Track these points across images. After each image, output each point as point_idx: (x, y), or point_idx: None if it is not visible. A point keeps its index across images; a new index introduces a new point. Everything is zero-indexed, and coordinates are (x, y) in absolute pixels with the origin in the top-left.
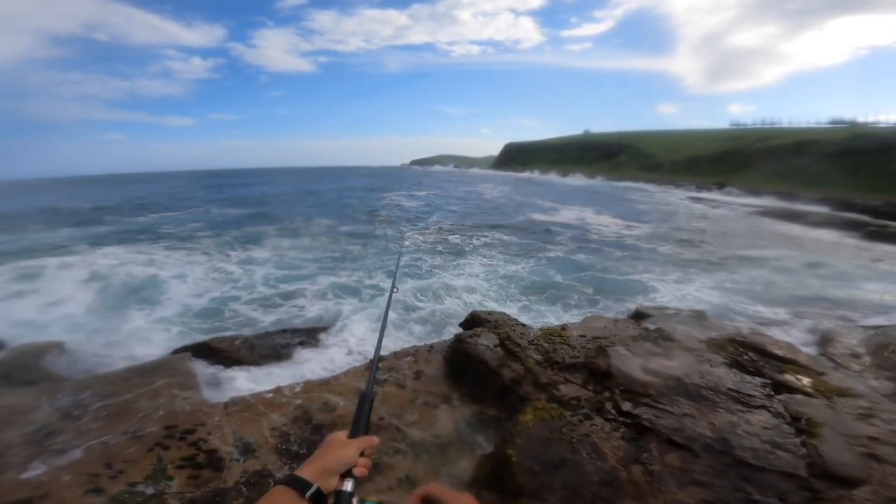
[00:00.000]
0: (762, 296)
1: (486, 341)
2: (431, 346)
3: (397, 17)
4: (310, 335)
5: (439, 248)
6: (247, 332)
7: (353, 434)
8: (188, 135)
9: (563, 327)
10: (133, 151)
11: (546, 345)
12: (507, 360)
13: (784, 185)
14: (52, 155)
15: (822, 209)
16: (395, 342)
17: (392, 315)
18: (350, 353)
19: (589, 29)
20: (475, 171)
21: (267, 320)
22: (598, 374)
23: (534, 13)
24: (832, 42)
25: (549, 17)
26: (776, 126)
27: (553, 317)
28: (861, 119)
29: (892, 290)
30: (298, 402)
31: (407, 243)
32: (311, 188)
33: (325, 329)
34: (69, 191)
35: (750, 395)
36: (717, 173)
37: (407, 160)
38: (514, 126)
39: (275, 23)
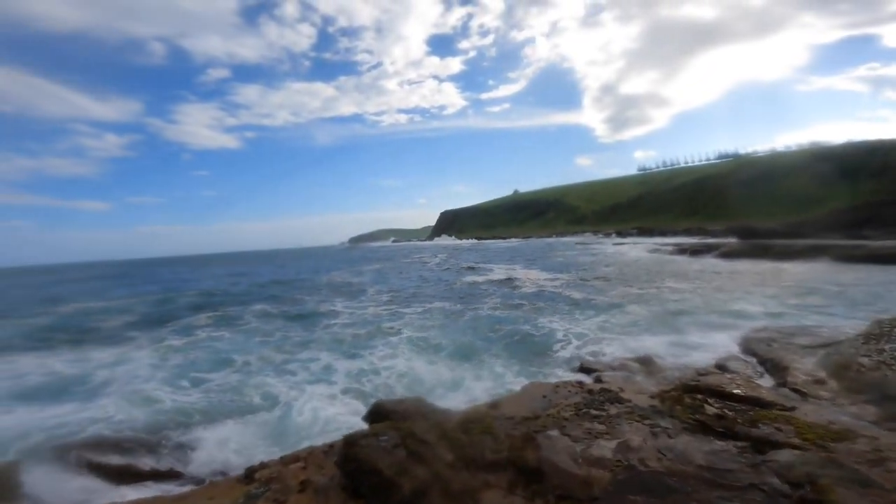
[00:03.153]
0: (673, 326)
1: (383, 441)
2: (330, 447)
3: (324, 89)
4: (170, 450)
5: (371, 320)
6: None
7: None
8: (103, 220)
9: (495, 405)
10: (38, 240)
11: (462, 436)
12: (408, 465)
13: (693, 220)
14: None
15: (731, 240)
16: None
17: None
18: (217, 462)
19: (505, 90)
20: (415, 242)
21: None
22: (526, 471)
23: (454, 78)
24: (702, 80)
25: (468, 82)
26: (676, 167)
27: (482, 376)
28: (742, 150)
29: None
30: None
31: (339, 321)
32: (242, 276)
33: (187, 446)
34: None
35: (729, 471)
36: (636, 217)
37: (345, 238)
38: (449, 193)
39: (197, 97)
